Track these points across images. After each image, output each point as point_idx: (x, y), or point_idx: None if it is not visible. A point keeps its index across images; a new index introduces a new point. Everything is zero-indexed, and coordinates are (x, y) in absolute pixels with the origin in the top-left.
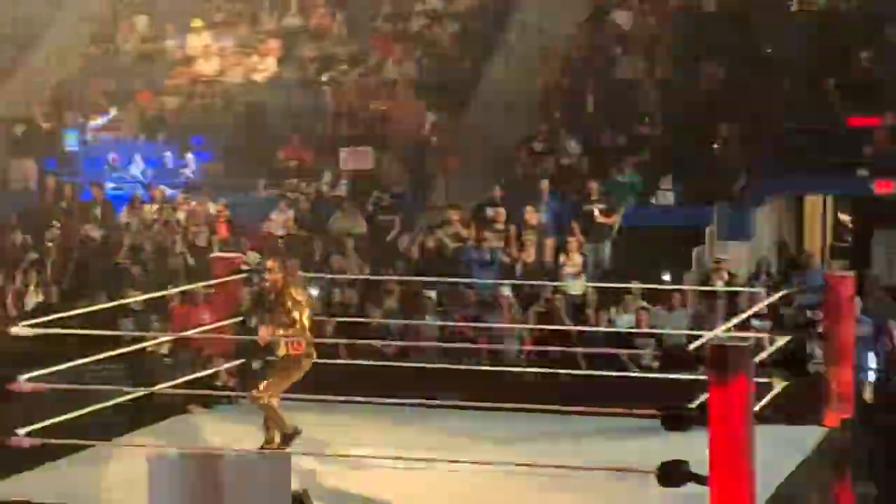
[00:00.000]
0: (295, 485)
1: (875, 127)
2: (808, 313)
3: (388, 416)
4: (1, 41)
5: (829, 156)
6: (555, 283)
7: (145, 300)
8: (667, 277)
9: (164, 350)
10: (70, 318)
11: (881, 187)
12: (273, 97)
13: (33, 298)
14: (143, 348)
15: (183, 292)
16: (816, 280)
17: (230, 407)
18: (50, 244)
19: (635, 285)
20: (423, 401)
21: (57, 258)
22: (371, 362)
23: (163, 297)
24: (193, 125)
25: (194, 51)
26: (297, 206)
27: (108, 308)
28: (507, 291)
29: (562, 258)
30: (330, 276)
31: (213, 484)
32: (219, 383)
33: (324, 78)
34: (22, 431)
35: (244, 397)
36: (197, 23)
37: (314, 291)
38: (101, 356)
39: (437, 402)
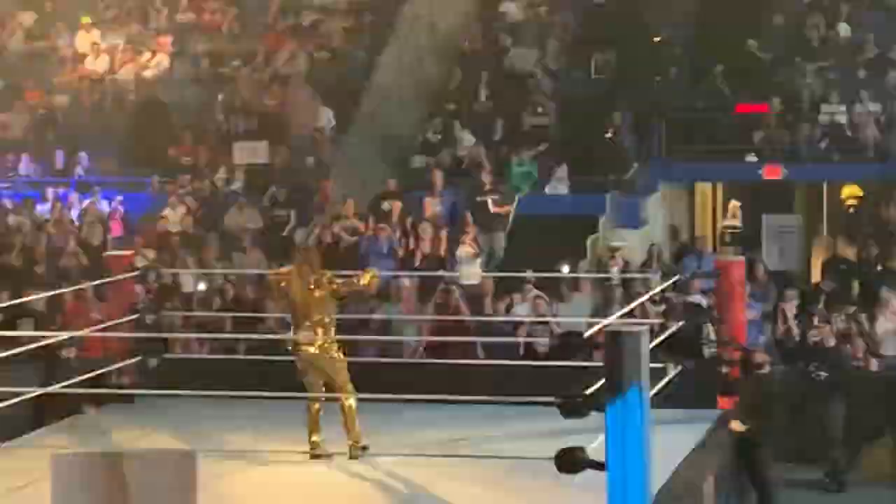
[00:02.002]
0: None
1: (763, 113)
2: (700, 298)
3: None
4: None
5: (718, 143)
6: (451, 274)
7: (46, 300)
8: (566, 269)
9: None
10: None
11: (770, 173)
12: (165, 94)
13: None
14: (44, 348)
15: (75, 291)
16: (708, 265)
17: (125, 406)
18: None
19: (531, 274)
20: (327, 394)
21: None
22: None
23: (61, 296)
24: (84, 123)
25: (84, 48)
26: (192, 202)
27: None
28: (405, 283)
29: (458, 249)
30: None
31: (117, 483)
32: (114, 383)
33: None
34: None
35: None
36: (86, 19)
37: (202, 286)
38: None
39: (336, 394)
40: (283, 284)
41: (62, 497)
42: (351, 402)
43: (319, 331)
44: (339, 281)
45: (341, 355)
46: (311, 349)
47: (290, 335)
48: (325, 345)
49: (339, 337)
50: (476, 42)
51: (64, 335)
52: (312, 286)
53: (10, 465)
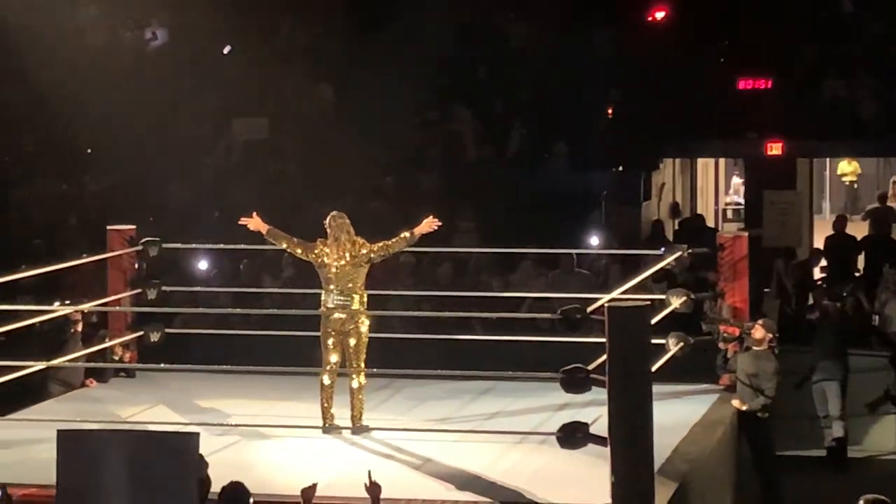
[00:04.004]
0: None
1: (764, 89)
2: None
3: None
4: None
5: (719, 119)
6: (451, 250)
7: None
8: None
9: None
10: None
11: (771, 149)
12: None
13: None
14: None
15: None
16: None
17: (127, 380)
18: None
19: (533, 250)
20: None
21: None
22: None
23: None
24: None
25: None
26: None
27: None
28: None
29: None
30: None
31: (122, 457)
32: (115, 357)
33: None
34: None
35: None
36: None
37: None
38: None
39: (343, 369)
40: (318, 255)
41: (67, 470)
42: (360, 379)
43: (355, 297)
44: (376, 247)
45: (367, 331)
46: (343, 315)
47: (323, 300)
48: (358, 313)
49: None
50: (473, 17)
51: (67, 310)
52: (349, 255)
53: (14, 437)
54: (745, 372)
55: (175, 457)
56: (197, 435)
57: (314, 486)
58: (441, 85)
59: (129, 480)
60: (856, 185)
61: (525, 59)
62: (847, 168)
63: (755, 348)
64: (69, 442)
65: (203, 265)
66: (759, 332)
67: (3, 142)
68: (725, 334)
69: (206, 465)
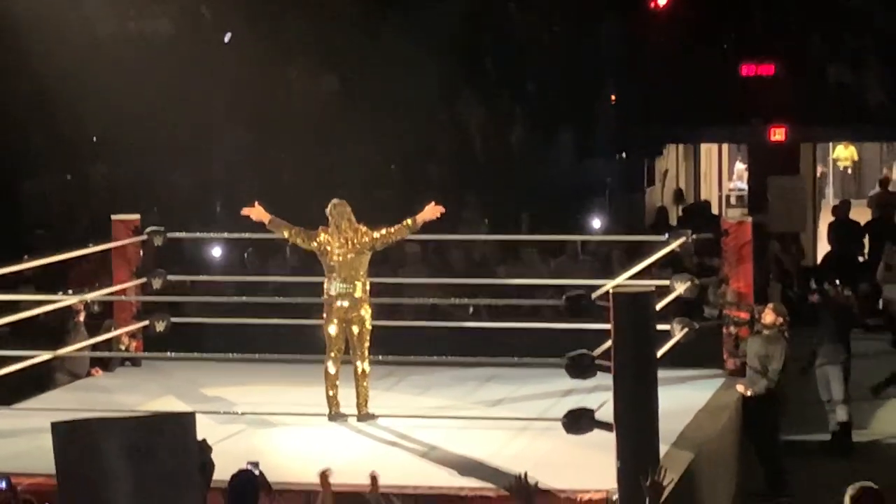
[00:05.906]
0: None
1: (767, 75)
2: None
3: (291, 370)
4: None
5: (722, 105)
6: (455, 237)
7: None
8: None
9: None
10: None
11: (774, 134)
12: None
13: None
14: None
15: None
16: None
17: (133, 370)
18: None
19: (537, 237)
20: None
21: None
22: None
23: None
24: None
25: None
26: None
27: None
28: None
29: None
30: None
31: (117, 445)
32: (122, 346)
33: None
34: None
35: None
36: None
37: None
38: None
39: (347, 356)
40: (320, 243)
41: (66, 460)
42: (364, 366)
43: (357, 284)
44: (377, 234)
45: (370, 318)
46: (346, 303)
47: (325, 288)
48: (361, 300)
49: (373, 300)
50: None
51: (71, 300)
52: (350, 243)
53: (20, 427)
54: (755, 355)
55: (173, 438)
56: (193, 415)
57: (328, 471)
58: (447, 75)
59: (130, 466)
60: (849, 170)
61: (529, 48)
62: (843, 153)
63: (765, 332)
64: (64, 432)
65: (217, 252)
66: (769, 315)
67: (8, 133)
68: (735, 318)
69: (209, 449)
